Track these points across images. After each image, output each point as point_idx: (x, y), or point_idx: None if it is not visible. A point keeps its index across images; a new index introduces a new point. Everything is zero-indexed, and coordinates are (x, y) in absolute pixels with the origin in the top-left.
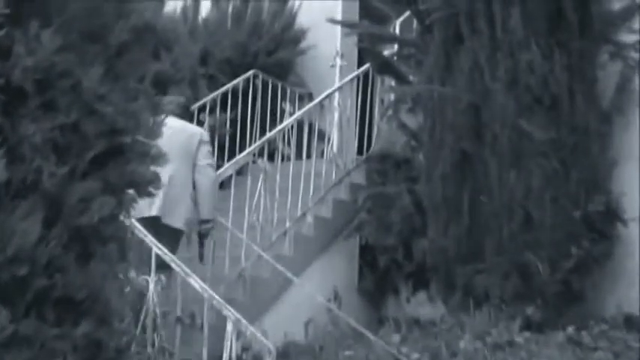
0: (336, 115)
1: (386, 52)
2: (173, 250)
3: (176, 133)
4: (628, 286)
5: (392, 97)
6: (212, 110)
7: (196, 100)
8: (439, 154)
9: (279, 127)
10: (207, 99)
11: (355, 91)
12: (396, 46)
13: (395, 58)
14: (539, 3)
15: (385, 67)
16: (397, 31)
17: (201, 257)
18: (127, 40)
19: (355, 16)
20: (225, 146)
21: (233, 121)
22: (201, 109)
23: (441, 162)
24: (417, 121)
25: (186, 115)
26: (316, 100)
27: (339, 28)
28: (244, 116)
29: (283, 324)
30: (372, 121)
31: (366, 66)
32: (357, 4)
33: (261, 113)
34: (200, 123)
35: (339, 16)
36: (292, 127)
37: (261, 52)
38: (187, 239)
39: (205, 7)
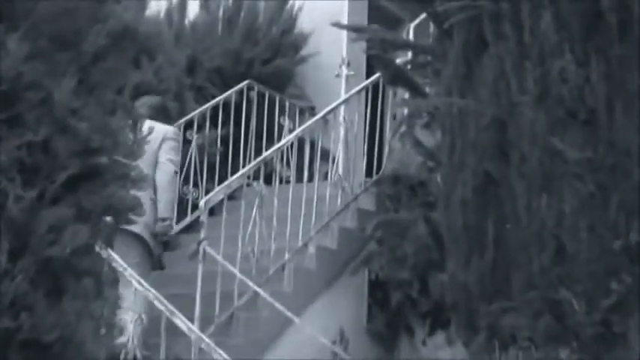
0: (342, 132)
1: (398, 60)
2: (139, 261)
3: None
4: None
5: (405, 111)
6: (200, 126)
7: (183, 114)
8: (459, 177)
9: (276, 146)
10: (194, 113)
11: (364, 105)
12: (409, 54)
13: (409, 66)
14: (574, 3)
15: (397, 77)
16: (411, 36)
17: (159, 263)
18: (103, 46)
19: (363, 20)
20: (215, 167)
21: (224, 139)
22: (188, 124)
23: (462, 185)
24: (434, 138)
25: (162, 116)
26: (319, 115)
27: (344, 33)
28: (237, 133)
29: None
30: (382, 138)
31: (376, 76)
32: (365, 6)
33: (256, 130)
34: (187, 141)
35: (345, 20)
36: (292, 145)
37: (257, 60)
38: (151, 248)
39: (193, 10)
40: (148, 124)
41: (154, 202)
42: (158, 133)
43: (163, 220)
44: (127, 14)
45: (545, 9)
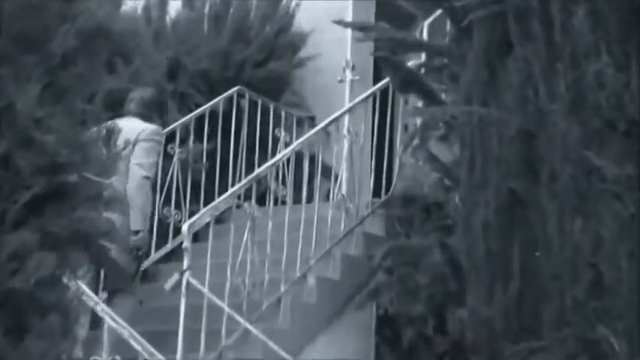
0: (346, 146)
1: (410, 63)
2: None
3: None
4: None
5: (418, 121)
6: (184, 139)
7: (163, 125)
8: (481, 196)
9: (271, 161)
10: (177, 124)
11: (371, 114)
12: (423, 55)
13: (422, 70)
14: None
15: (409, 82)
16: (425, 35)
17: (131, 282)
18: (73, 47)
19: (370, 17)
20: (200, 186)
21: (211, 153)
22: (170, 137)
23: (484, 206)
24: (452, 152)
25: (152, 113)
26: (320, 126)
27: (349, 32)
28: (226, 147)
29: None
30: (392, 152)
31: (385, 81)
32: (372, 2)
33: (247, 143)
34: (168, 156)
35: (349, 17)
36: (288, 160)
37: (248, 62)
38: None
39: (175, 5)
40: (122, 122)
41: (124, 212)
42: (130, 135)
43: (136, 232)
44: (100, 11)
45: (579, 4)
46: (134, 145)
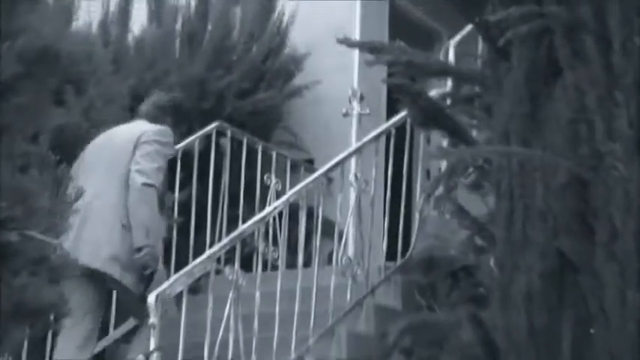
0: (353, 196)
1: (433, 93)
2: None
3: (108, 140)
4: None
5: (443, 164)
6: None
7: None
8: (522, 259)
9: (259, 215)
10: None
11: (383, 157)
12: (449, 83)
13: (448, 101)
14: None
15: (432, 116)
16: (451, 57)
17: (137, 304)
18: (13, 73)
19: (383, 35)
20: (171, 246)
21: (184, 205)
22: None
23: (525, 271)
24: (486, 204)
25: (167, 118)
26: (320, 171)
27: (356, 54)
28: (203, 196)
29: None
30: (410, 204)
31: (401, 115)
32: (385, 15)
33: (229, 192)
34: None
35: (356, 35)
36: (281, 214)
37: (230, 92)
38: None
39: (139, 20)
40: (122, 127)
41: (127, 227)
42: (130, 139)
43: (139, 249)
44: (46, 28)
45: None
46: (134, 150)
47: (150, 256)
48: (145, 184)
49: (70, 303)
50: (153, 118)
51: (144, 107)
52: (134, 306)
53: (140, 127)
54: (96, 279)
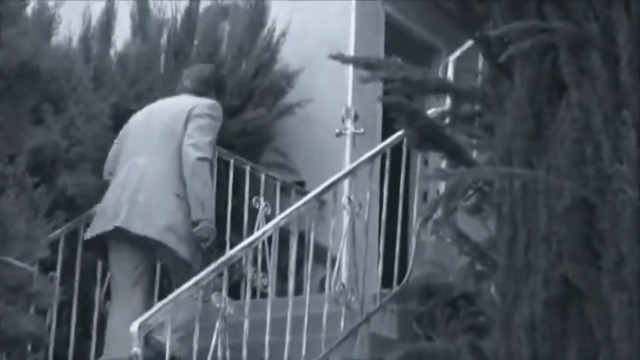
0: (346, 220)
1: (431, 111)
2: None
3: (156, 114)
4: None
5: (441, 187)
6: None
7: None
8: (524, 287)
9: (247, 241)
10: None
11: (378, 179)
12: (448, 101)
13: (447, 120)
14: None
15: (430, 136)
16: (450, 74)
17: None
18: None
19: (379, 51)
20: (155, 271)
21: None
22: None
23: (528, 299)
24: (487, 228)
25: (211, 91)
26: (312, 194)
27: (350, 70)
28: None
29: None
30: (406, 229)
31: (397, 135)
32: (381, 29)
33: (216, 215)
34: None
35: (350, 51)
36: (270, 239)
37: None
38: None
39: (122, 34)
40: (167, 101)
41: (181, 198)
42: (180, 112)
43: (195, 223)
44: (24, 43)
45: None
46: (186, 123)
47: (206, 230)
48: (199, 159)
49: (119, 275)
50: (198, 93)
51: (188, 83)
52: (184, 277)
53: (191, 100)
54: (146, 249)
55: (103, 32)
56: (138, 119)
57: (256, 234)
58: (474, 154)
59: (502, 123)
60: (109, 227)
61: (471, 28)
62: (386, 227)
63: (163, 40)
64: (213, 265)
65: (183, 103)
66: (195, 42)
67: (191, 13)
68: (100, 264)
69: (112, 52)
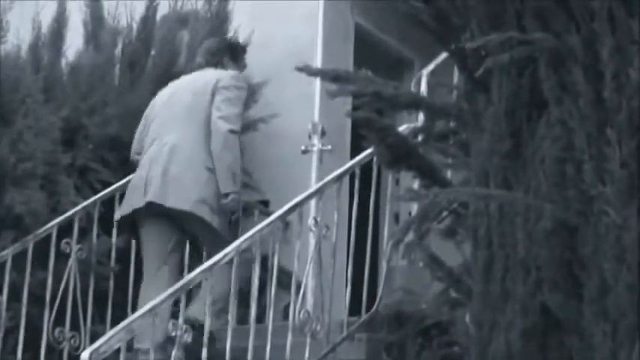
0: (312, 242)
1: (403, 128)
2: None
3: (181, 90)
4: None
5: (414, 208)
6: (85, 231)
7: (55, 212)
8: (501, 315)
9: (206, 264)
10: (74, 210)
11: (347, 199)
12: (420, 116)
13: (420, 137)
14: None
15: (402, 154)
16: (424, 88)
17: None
18: None
19: (348, 63)
20: (108, 298)
21: (123, 251)
22: (65, 228)
23: (505, 329)
24: (461, 252)
25: (223, 54)
26: (276, 214)
27: (317, 83)
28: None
29: None
30: (377, 252)
31: (367, 152)
32: (350, 40)
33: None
34: (62, 255)
35: (317, 62)
36: (231, 263)
37: None
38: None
39: (74, 43)
40: (190, 76)
41: (212, 170)
42: (205, 84)
43: (226, 195)
44: None
45: None
46: (213, 95)
47: (236, 202)
48: (230, 131)
49: (151, 252)
50: (210, 65)
51: (200, 59)
52: (219, 246)
53: (214, 73)
54: (177, 223)
55: (53, 41)
56: (162, 97)
57: (216, 257)
58: (449, 174)
59: (478, 141)
60: (141, 204)
61: (446, 39)
62: (355, 251)
63: (118, 49)
64: (170, 290)
65: (205, 76)
66: (152, 52)
67: (148, 21)
68: (48, 287)
69: (63, 62)
